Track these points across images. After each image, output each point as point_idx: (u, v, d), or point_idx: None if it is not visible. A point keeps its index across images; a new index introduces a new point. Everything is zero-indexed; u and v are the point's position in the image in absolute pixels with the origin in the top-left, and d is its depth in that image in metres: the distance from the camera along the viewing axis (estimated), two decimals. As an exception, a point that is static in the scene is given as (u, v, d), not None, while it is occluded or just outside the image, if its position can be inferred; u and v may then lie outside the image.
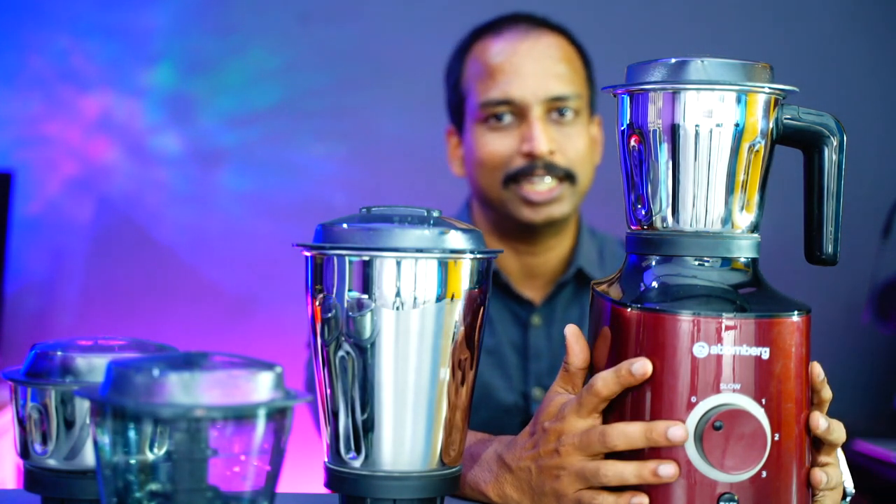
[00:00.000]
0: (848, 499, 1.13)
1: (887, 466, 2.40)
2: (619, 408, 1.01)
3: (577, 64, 1.63)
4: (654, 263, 1.04)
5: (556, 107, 1.58)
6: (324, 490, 1.03)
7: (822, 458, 1.05)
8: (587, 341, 1.07)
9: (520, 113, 1.57)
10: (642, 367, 0.97)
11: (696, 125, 1.02)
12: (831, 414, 1.11)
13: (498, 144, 1.58)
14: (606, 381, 0.99)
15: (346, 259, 0.96)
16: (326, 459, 0.99)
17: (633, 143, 1.05)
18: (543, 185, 1.56)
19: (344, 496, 0.98)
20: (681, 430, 0.96)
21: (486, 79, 1.59)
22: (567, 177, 1.57)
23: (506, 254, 1.63)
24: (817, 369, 1.03)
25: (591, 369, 1.07)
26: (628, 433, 0.97)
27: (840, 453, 1.10)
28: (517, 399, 1.61)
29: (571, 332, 1.04)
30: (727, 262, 1.03)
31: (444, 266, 0.96)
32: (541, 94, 1.57)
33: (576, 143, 1.59)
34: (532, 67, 1.58)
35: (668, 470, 0.96)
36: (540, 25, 1.63)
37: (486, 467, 1.09)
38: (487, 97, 1.58)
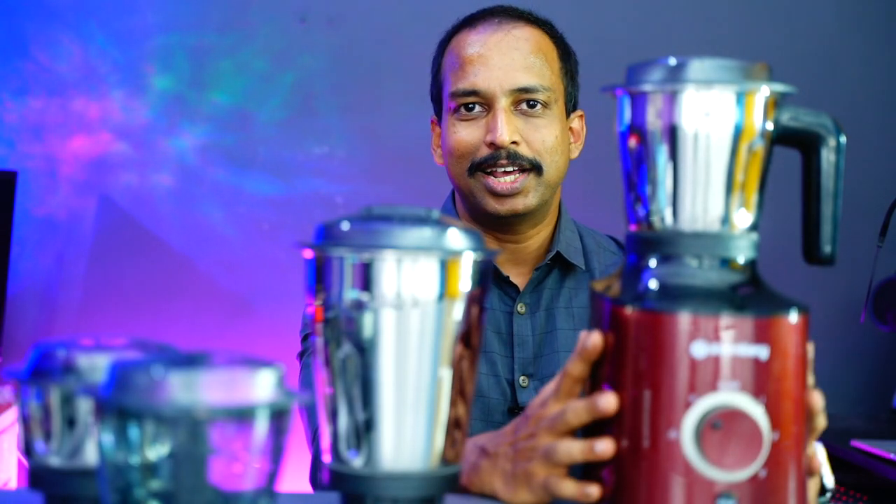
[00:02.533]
0: (828, 495, 1.14)
1: (886, 465, 2.40)
2: (617, 405, 1.01)
3: (552, 56, 1.65)
4: (652, 263, 1.04)
5: (523, 98, 1.60)
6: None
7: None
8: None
9: (488, 104, 1.61)
10: (595, 340, 1.05)
11: (695, 125, 1.02)
12: (829, 413, 1.13)
13: (465, 134, 1.62)
14: (576, 365, 1.08)
15: (347, 259, 0.96)
16: (327, 459, 0.99)
17: (632, 143, 1.06)
18: (507, 178, 1.58)
19: (344, 495, 0.98)
20: (611, 399, 1.02)
21: (458, 70, 1.63)
22: (533, 168, 1.59)
23: (490, 241, 1.67)
24: (818, 398, 1.06)
25: (593, 369, 1.08)
26: (576, 408, 1.06)
27: (822, 450, 1.11)
28: (503, 387, 1.62)
29: (593, 338, 1.07)
30: (726, 261, 1.03)
31: (444, 266, 0.96)
32: (507, 84, 1.60)
33: (543, 135, 1.61)
34: (499, 59, 1.61)
35: (601, 446, 1.02)
36: (516, 18, 1.65)
37: (464, 459, 1.14)
38: (456, 87, 1.62)
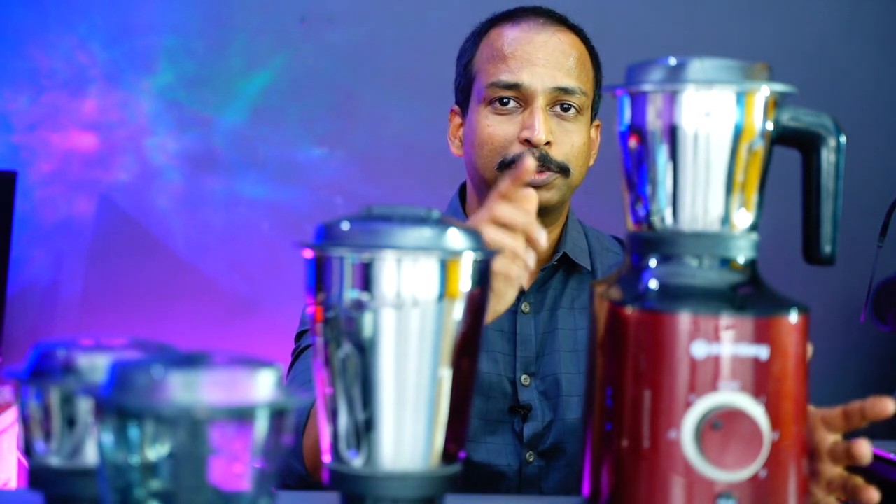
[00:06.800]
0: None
1: (886, 465, 2.40)
2: (616, 405, 1.01)
3: (588, 65, 1.66)
4: (652, 263, 1.04)
5: (560, 100, 1.60)
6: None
7: (836, 469, 1.10)
8: (588, 341, 1.09)
9: (525, 100, 1.61)
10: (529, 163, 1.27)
11: (695, 125, 1.03)
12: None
13: (499, 128, 1.61)
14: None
15: (347, 259, 0.96)
16: (327, 459, 0.99)
17: (632, 143, 1.06)
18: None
19: (344, 495, 0.98)
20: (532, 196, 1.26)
21: (498, 62, 1.63)
22: (561, 170, 1.59)
23: None
24: (866, 452, 1.13)
25: (594, 369, 1.08)
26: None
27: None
28: (504, 385, 1.62)
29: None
30: (726, 261, 1.03)
31: (444, 266, 0.96)
32: (549, 83, 1.60)
33: (574, 139, 1.61)
34: (545, 58, 1.61)
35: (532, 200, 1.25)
36: (558, 21, 1.66)
37: None
38: (497, 79, 1.61)
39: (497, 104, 1.62)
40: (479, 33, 1.69)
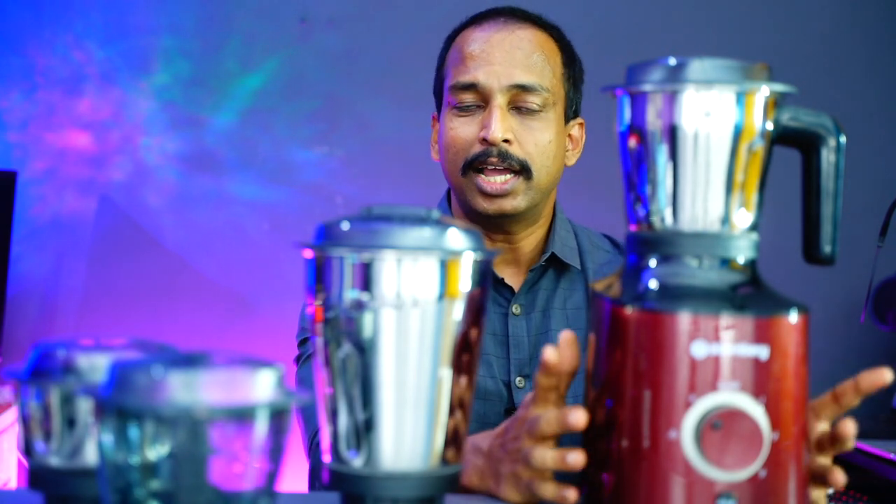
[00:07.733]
0: (830, 490, 1.15)
1: (886, 465, 2.40)
2: (617, 405, 1.01)
3: (555, 60, 1.64)
4: (652, 263, 1.04)
5: (520, 97, 1.60)
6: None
7: (822, 459, 1.08)
8: (587, 341, 1.09)
9: (484, 100, 1.60)
10: (553, 353, 1.09)
11: (695, 125, 1.03)
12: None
13: (461, 130, 1.62)
14: (541, 378, 1.12)
15: (347, 259, 0.96)
16: (327, 459, 0.99)
17: (632, 143, 1.06)
18: (498, 178, 1.58)
19: (344, 495, 0.98)
20: (580, 415, 1.05)
21: (459, 64, 1.63)
22: (523, 170, 1.59)
23: (484, 241, 1.66)
24: (851, 430, 1.09)
25: (593, 369, 1.08)
26: (549, 418, 1.10)
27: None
28: (499, 388, 1.62)
29: (565, 338, 1.12)
30: (726, 261, 1.03)
31: (444, 266, 0.96)
32: (504, 81, 1.59)
33: (537, 137, 1.60)
34: (500, 56, 1.61)
35: (573, 457, 1.06)
36: (522, 19, 1.66)
37: (466, 459, 1.21)
38: (455, 81, 1.62)
39: (460, 107, 1.62)
40: (449, 38, 1.70)
